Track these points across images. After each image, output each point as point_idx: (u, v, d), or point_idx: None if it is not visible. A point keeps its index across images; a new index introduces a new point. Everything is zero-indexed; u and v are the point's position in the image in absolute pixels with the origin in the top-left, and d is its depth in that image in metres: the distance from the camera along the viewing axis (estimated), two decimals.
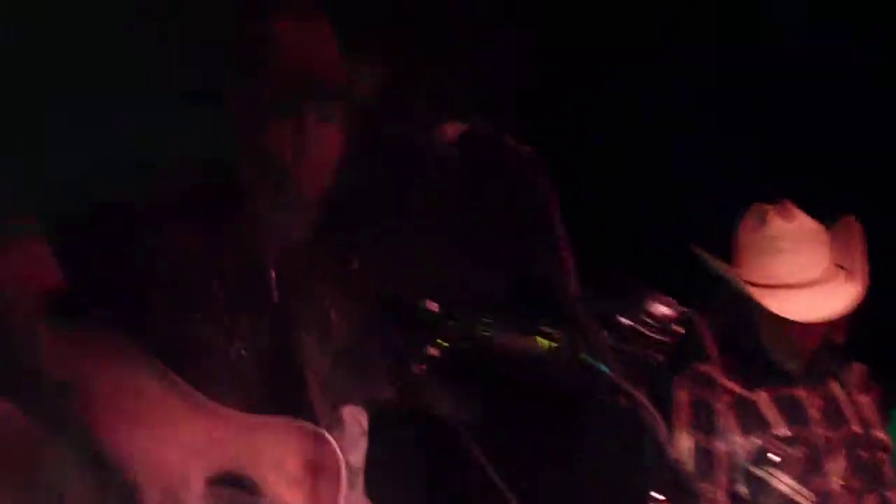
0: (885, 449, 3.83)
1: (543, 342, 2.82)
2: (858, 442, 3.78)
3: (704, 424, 3.72)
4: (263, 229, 2.80)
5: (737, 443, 3.70)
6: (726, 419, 3.72)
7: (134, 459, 2.51)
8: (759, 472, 3.69)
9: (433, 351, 2.93)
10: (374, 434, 2.93)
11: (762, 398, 3.79)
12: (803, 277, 3.73)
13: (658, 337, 2.74)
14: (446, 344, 2.94)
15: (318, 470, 2.68)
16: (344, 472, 2.68)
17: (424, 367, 2.89)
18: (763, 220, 3.78)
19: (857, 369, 3.91)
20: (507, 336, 2.97)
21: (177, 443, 2.56)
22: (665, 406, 3.63)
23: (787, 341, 3.78)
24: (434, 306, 2.95)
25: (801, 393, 3.81)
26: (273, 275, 2.81)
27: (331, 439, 2.69)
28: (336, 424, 2.87)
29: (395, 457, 2.90)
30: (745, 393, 3.79)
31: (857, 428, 3.80)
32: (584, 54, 4.47)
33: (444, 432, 2.81)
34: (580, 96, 4.42)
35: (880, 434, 3.84)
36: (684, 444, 3.71)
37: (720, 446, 3.70)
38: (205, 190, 2.78)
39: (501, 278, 3.09)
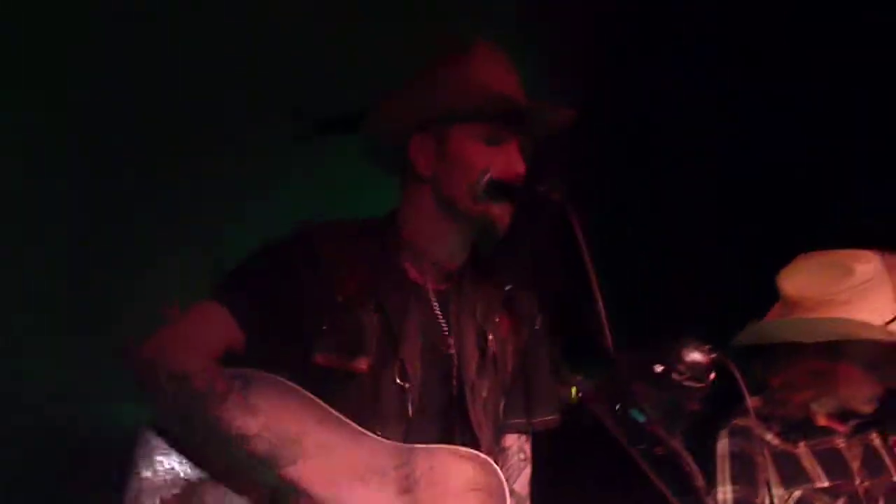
0: None
1: (575, 392, 2.84)
2: None
3: (745, 477, 3.70)
4: (425, 260, 2.90)
5: (777, 495, 3.69)
6: (766, 472, 3.70)
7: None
8: None
9: None
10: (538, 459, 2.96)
11: (802, 451, 3.78)
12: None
13: (692, 384, 2.75)
14: None
15: (485, 498, 2.74)
16: (509, 501, 2.73)
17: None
18: (849, 270, 3.79)
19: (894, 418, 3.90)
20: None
21: (348, 475, 2.67)
22: (703, 456, 3.63)
23: (867, 384, 3.76)
24: None
25: (840, 444, 3.80)
26: (436, 305, 2.89)
27: (496, 467, 2.75)
28: (500, 453, 2.93)
29: (559, 481, 2.92)
30: (785, 446, 3.78)
31: None
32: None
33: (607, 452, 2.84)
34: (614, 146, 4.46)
35: None
36: (725, 497, 3.69)
37: (760, 498, 3.68)
38: (369, 227, 2.92)
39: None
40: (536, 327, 3.01)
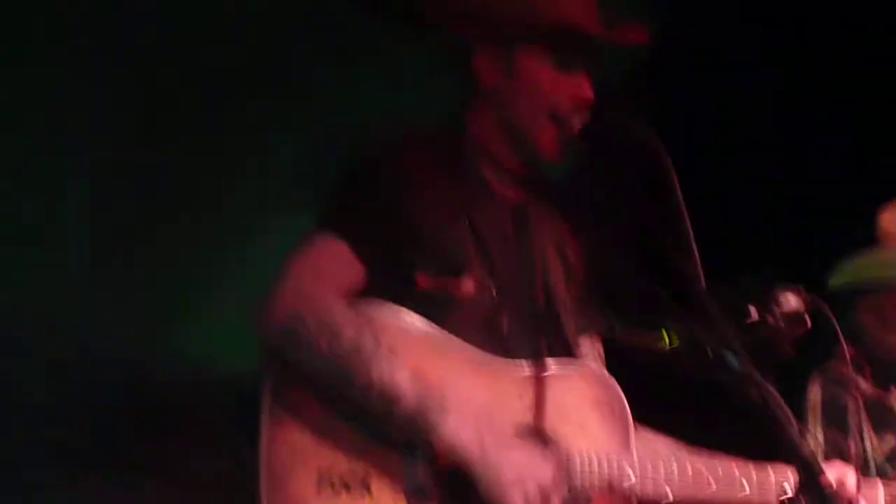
0: None
1: (667, 336, 2.82)
2: None
3: (837, 422, 3.68)
4: (502, 167, 2.88)
5: (870, 440, 3.66)
6: (859, 418, 3.67)
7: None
8: (891, 470, 3.65)
9: None
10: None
11: (895, 397, 3.75)
12: None
13: (788, 328, 2.72)
14: None
15: (608, 412, 2.77)
16: (629, 413, 2.77)
17: None
18: None
19: None
20: (633, 330, 2.98)
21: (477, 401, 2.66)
22: (797, 401, 3.61)
23: None
24: None
25: None
26: (519, 216, 2.89)
27: (614, 382, 2.79)
28: (580, 356, 2.95)
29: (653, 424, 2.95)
30: (877, 392, 3.75)
31: None
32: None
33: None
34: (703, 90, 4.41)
35: None
36: (816, 441, 3.67)
37: (852, 444, 3.65)
38: (447, 144, 2.88)
39: (633, 269, 3.10)
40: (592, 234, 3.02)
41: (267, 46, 3.88)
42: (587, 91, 2.83)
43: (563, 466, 2.68)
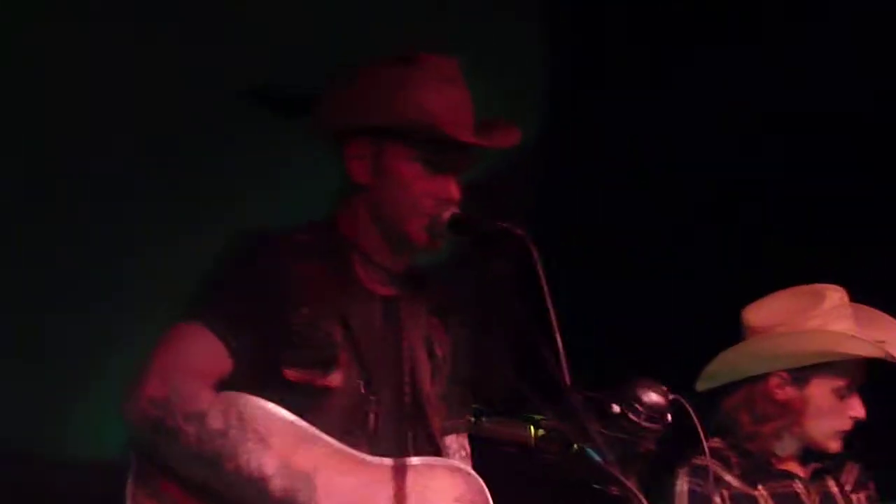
0: None
1: (534, 430, 2.84)
2: None
3: None
4: (373, 264, 2.89)
5: None
6: None
7: None
8: None
9: None
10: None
11: (761, 494, 3.78)
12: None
13: (649, 425, 2.76)
14: None
15: None
16: None
17: None
18: (821, 295, 3.79)
19: (850, 468, 3.91)
20: (499, 422, 2.99)
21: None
22: (660, 495, 3.63)
23: (837, 416, 3.75)
24: None
25: (799, 488, 3.80)
26: (388, 312, 2.90)
27: (478, 478, 2.78)
28: (446, 453, 2.95)
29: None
30: (744, 488, 3.78)
31: None
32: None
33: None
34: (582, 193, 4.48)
35: None
36: None
37: None
38: (315, 233, 2.89)
39: (500, 363, 3.12)
40: (461, 328, 3.04)
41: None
42: (454, 192, 2.85)
43: None
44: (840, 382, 3.74)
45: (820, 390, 3.74)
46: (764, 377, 3.78)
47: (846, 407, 3.74)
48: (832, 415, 3.76)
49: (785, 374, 3.75)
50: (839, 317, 3.78)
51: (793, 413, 3.76)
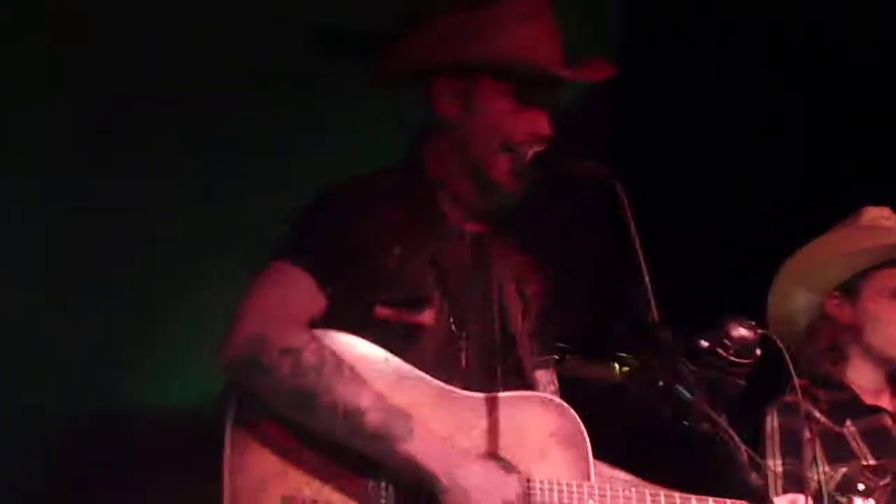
0: None
1: (618, 367, 2.84)
2: None
3: (793, 452, 3.69)
4: (460, 200, 2.90)
5: (824, 471, 3.67)
6: (813, 448, 3.69)
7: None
8: (844, 501, 3.65)
9: None
10: None
11: (849, 430, 3.77)
12: None
13: (738, 360, 2.74)
14: None
15: (568, 441, 2.79)
16: (588, 444, 2.79)
17: None
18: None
19: None
20: (584, 363, 3.00)
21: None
22: (750, 432, 3.62)
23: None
24: None
25: (887, 423, 3.78)
26: (477, 249, 2.92)
27: (574, 413, 2.81)
28: (536, 388, 2.97)
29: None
30: (832, 424, 3.76)
31: None
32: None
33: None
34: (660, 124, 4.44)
35: None
36: (776, 470, 3.68)
37: (807, 474, 3.66)
38: (404, 179, 2.90)
39: (587, 301, 3.12)
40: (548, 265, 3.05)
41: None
42: (545, 127, 2.85)
43: (524, 490, 2.70)
44: (890, 282, 3.74)
45: (872, 295, 3.77)
46: (818, 308, 3.80)
47: None
48: (891, 319, 3.76)
49: (836, 293, 3.79)
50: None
51: (854, 330, 3.76)
